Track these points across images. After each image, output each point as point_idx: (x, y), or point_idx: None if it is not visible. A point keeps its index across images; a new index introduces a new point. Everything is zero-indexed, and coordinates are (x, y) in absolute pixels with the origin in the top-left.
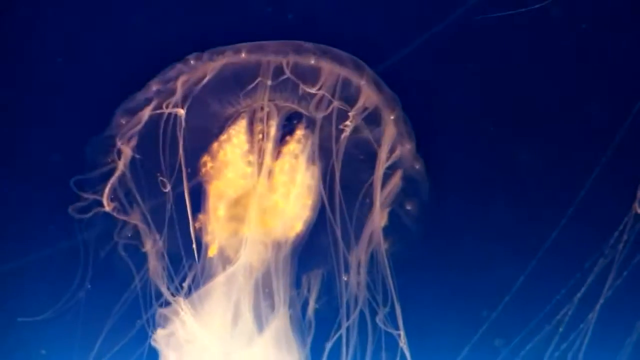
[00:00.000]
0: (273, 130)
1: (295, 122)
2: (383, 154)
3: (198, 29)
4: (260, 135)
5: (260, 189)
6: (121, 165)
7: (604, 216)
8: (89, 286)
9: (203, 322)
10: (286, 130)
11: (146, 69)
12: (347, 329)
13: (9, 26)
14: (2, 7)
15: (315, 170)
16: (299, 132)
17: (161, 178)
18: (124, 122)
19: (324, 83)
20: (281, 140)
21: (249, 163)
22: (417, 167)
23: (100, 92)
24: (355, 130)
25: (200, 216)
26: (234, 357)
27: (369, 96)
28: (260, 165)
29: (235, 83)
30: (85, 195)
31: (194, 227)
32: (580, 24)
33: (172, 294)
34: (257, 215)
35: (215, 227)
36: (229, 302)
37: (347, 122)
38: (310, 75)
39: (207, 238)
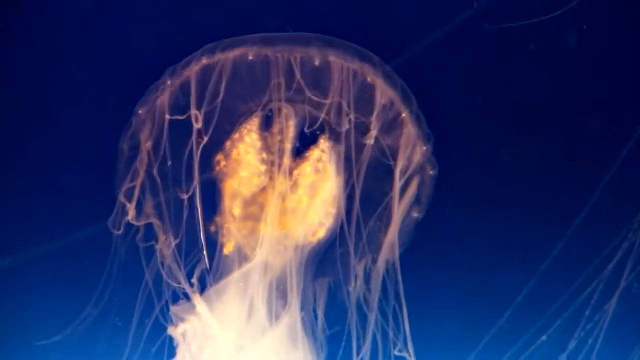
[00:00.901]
0: (291, 131)
1: (318, 132)
2: (401, 160)
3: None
4: (279, 136)
5: (278, 190)
6: (144, 167)
7: (615, 220)
8: (119, 323)
9: (218, 316)
10: (309, 138)
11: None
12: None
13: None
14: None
15: (340, 180)
16: (323, 142)
17: (181, 193)
18: (143, 121)
19: (336, 84)
20: (302, 146)
21: (263, 161)
22: (432, 172)
23: (108, 90)
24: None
25: (217, 218)
26: (247, 351)
27: (383, 91)
28: (279, 166)
29: (247, 80)
30: (123, 201)
31: (207, 227)
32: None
33: (189, 289)
34: (275, 216)
35: (231, 225)
36: (244, 298)
37: (371, 132)
38: (321, 76)
39: (222, 236)
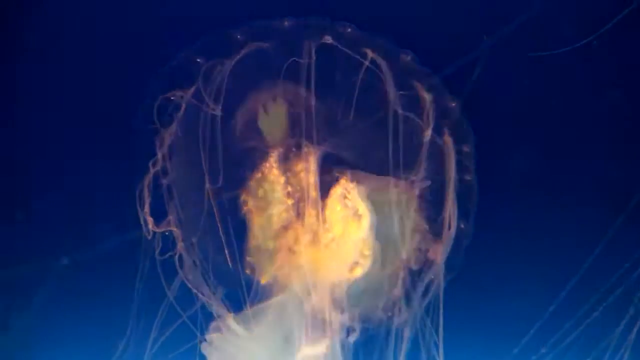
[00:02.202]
0: (313, 164)
1: (336, 174)
2: (451, 168)
3: None
4: (302, 173)
5: (307, 223)
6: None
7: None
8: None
9: (252, 337)
10: (330, 181)
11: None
12: None
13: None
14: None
15: (371, 221)
16: (345, 182)
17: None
18: (156, 106)
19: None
20: (324, 186)
21: (289, 195)
22: (469, 178)
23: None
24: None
25: (248, 259)
26: None
27: (425, 83)
28: (306, 199)
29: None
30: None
31: (242, 267)
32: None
33: (219, 305)
34: (307, 248)
35: (265, 259)
36: (279, 323)
37: (427, 129)
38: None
39: (257, 270)
